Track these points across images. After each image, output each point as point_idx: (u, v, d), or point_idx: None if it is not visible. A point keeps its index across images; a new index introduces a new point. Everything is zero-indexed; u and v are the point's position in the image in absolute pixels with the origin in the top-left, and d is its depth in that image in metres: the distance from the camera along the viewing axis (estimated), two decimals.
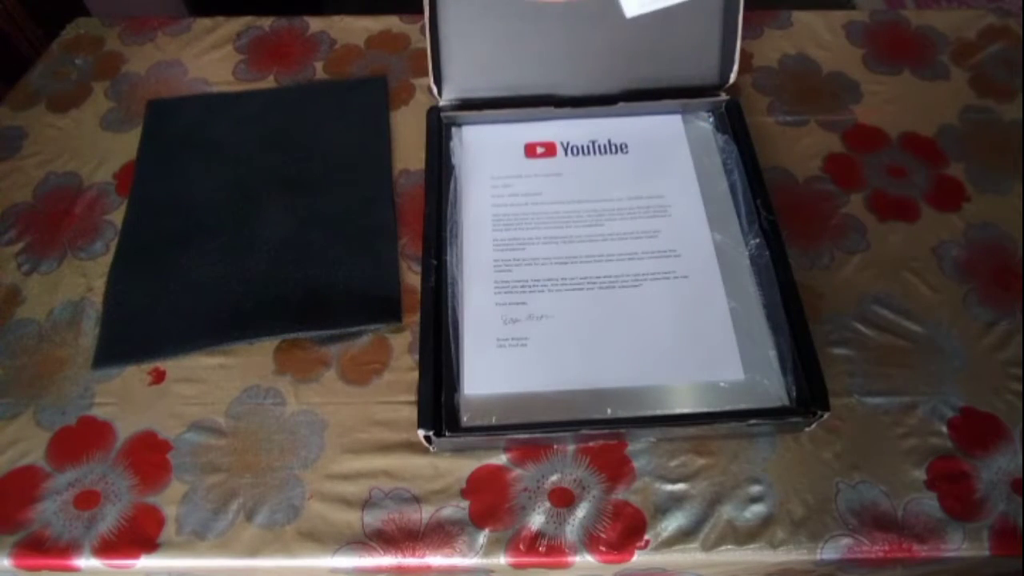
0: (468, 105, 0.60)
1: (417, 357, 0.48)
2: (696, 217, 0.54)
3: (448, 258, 0.51)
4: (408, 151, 0.61)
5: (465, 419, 0.46)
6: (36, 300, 0.54)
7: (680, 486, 0.45)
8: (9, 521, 0.44)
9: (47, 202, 0.59)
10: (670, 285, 0.51)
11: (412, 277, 0.54)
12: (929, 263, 0.54)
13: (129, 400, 0.49)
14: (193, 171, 0.61)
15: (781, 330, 0.48)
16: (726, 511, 0.44)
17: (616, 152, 0.59)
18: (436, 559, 0.43)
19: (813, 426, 0.46)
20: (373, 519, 0.44)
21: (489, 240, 0.54)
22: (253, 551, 0.44)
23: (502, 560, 0.43)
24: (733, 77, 0.59)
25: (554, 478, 0.46)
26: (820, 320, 0.51)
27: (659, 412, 0.46)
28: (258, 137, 0.63)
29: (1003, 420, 0.47)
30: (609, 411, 0.45)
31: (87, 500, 0.45)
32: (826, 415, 0.44)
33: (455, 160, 0.58)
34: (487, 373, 0.47)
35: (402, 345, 0.51)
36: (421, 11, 0.56)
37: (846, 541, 0.43)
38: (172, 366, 0.51)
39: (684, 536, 0.44)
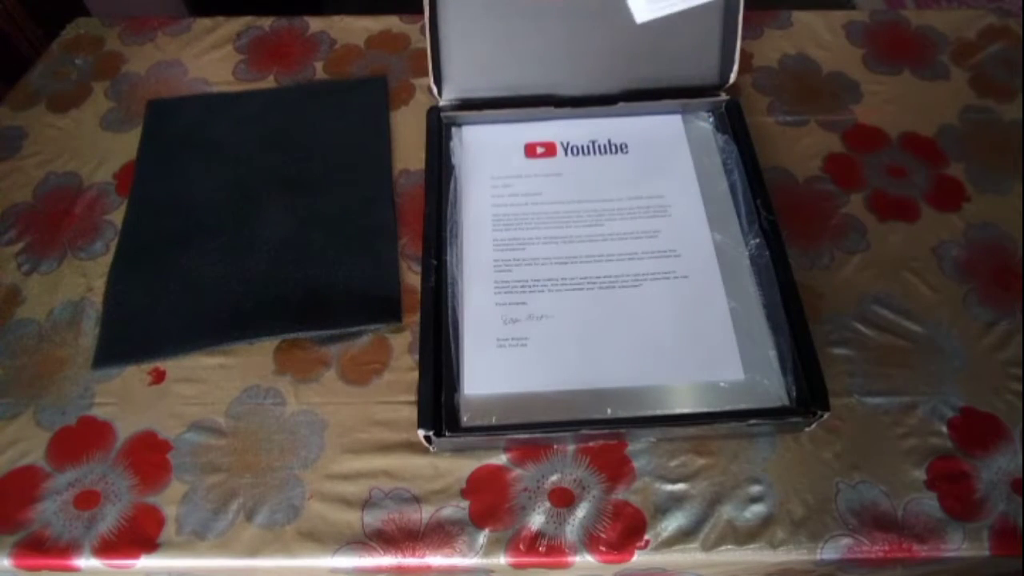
0: (468, 105, 0.60)
1: (417, 357, 0.48)
2: (696, 217, 0.54)
3: (448, 258, 0.51)
4: (408, 151, 0.61)
5: (465, 419, 0.46)
6: (36, 300, 0.54)
7: (680, 486, 0.45)
8: (9, 521, 0.44)
9: (47, 202, 0.59)
10: (670, 285, 0.51)
11: (412, 277, 0.54)
12: (929, 263, 0.54)
13: (129, 400, 0.49)
14: (193, 171, 0.61)
15: (781, 330, 0.48)
16: (726, 511, 0.44)
17: (616, 152, 0.59)
18: (436, 559, 0.43)
19: (813, 426, 0.46)
20: (373, 519, 0.44)
21: (489, 240, 0.54)
22: (253, 551, 0.44)
23: (502, 560, 0.43)
24: (733, 77, 0.59)
25: (554, 478, 0.46)
26: (820, 320, 0.51)
27: (659, 412, 0.46)
28: (258, 137, 0.63)
29: (1003, 420, 0.47)
30: (609, 411, 0.45)
31: (87, 500, 0.45)
32: (826, 415, 0.44)
33: (455, 160, 0.58)
34: (487, 373, 0.47)
35: (402, 345, 0.51)
36: (421, 11, 0.56)
37: (846, 541, 0.43)
38: (172, 366, 0.51)
39: (684, 536, 0.44)
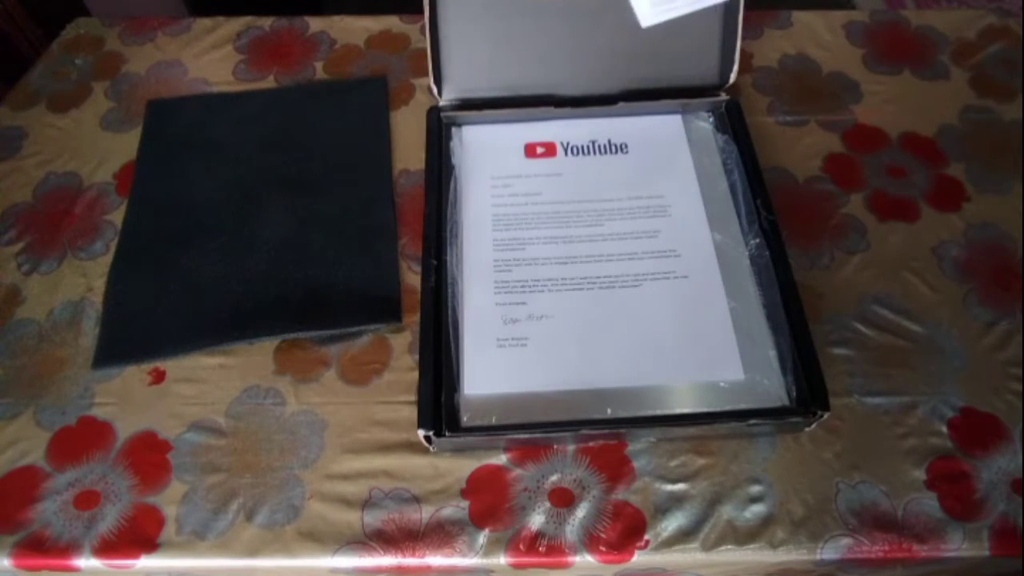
0: (468, 105, 0.60)
1: (417, 357, 0.48)
2: (696, 217, 0.54)
3: (448, 258, 0.51)
4: (408, 151, 0.61)
5: (465, 419, 0.46)
6: (36, 300, 0.54)
7: (680, 486, 0.45)
8: (9, 521, 0.44)
9: (47, 202, 0.59)
10: (670, 285, 0.51)
11: (412, 277, 0.54)
12: (929, 263, 0.54)
13: (129, 400, 0.49)
14: (193, 171, 0.61)
15: (781, 330, 0.48)
16: (726, 511, 0.44)
17: (616, 152, 0.59)
18: (436, 559, 0.43)
19: (813, 426, 0.46)
20: (373, 519, 0.44)
21: (489, 240, 0.54)
22: (253, 551, 0.44)
23: (502, 560, 0.43)
24: (733, 77, 0.59)
25: (554, 478, 0.46)
26: (820, 320, 0.51)
27: (659, 412, 0.46)
28: (258, 137, 0.63)
29: (1003, 420, 0.47)
30: (609, 411, 0.45)
31: (87, 500, 0.45)
32: (826, 415, 0.44)
33: (455, 160, 0.58)
34: (487, 373, 0.47)
35: (402, 345, 0.51)
36: (421, 11, 0.56)
37: (846, 541, 0.43)
38: (172, 366, 0.51)
39: (684, 536, 0.44)
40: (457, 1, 0.56)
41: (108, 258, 0.56)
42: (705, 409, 0.46)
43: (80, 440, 0.47)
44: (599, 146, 0.59)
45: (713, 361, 0.47)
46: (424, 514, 0.45)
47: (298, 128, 0.63)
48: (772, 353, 0.48)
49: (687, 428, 0.46)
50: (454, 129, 0.60)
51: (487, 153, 0.59)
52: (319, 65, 0.68)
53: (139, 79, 0.68)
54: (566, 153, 0.59)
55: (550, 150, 0.59)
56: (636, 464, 0.46)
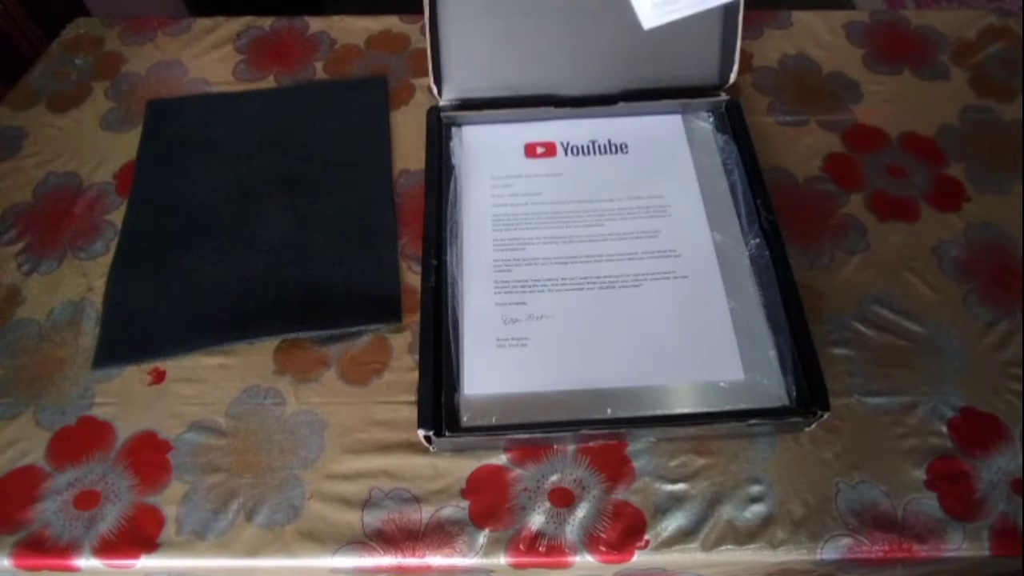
0: (468, 105, 0.60)
1: (417, 357, 0.48)
2: (696, 217, 0.54)
3: (448, 258, 0.51)
4: (408, 151, 0.61)
5: (465, 419, 0.46)
6: (36, 300, 0.54)
7: (680, 486, 0.45)
8: (9, 521, 0.44)
9: (47, 202, 0.59)
10: (670, 285, 0.51)
11: (412, 277, 0.54)
12: (929, 263, 0.54)
13: (129, 400, 0.49)
14: (193, 171, 0.61)
15: (781, 330, 0.48)
16: (726, 511, 0.44)
17: (616, 152, 0.59)
18: (436, 559, 0.43)
19: (813, 426, 0.46)
20: (373, 519, 0.44)
21: (489, 240, 0.54)
22: (253, 551, 0.44)
23: (502, 560, 0.43)
24: (733, 77, 0.59)
25: (554, 478, 0.46)
26: (820, 320, 0.51)
27: (659, 412, 0.46)
28: (258, 137, 0.63)
29: (1003, 420, 0.47)
30: (609, 411, 0.45)
31: (87, 500, 0.45)
32: (826, 415, 0.44)
33: (455, 160, 0.58)
34: (487, 373, 0.47)
35: (402, 345, 0.51)
36: (421, 11, 0.56)
37: (846, 541, 0.43)
38: (172, 366, 0.51)
39: (684, 536, 0.44)
40: (457, 1, 0.56)
41: (108, 258, 0.56)
42: (705, 409, 0.46)
43: (80, 440, 0.47)
44: (599, 146, 0.59)
45: (713, 361, 0.47)
46: (424, 514, 0.45)
47: (298, 128, 0.63)
48: (772, 353, 0.48)
49: (687, 428, 0.46)
50: (454, 129, 0.60)
51: (487, 153, 0.59)
52: (319, 65, 0.68)
53: (139, 79, 0.68)
54: (566, 153, 0.59)
55: (550, 150, 0.59)
56: (636, 464, 0.46)
